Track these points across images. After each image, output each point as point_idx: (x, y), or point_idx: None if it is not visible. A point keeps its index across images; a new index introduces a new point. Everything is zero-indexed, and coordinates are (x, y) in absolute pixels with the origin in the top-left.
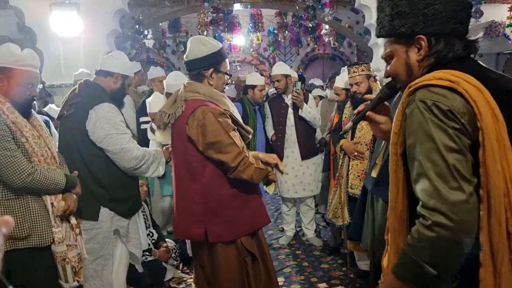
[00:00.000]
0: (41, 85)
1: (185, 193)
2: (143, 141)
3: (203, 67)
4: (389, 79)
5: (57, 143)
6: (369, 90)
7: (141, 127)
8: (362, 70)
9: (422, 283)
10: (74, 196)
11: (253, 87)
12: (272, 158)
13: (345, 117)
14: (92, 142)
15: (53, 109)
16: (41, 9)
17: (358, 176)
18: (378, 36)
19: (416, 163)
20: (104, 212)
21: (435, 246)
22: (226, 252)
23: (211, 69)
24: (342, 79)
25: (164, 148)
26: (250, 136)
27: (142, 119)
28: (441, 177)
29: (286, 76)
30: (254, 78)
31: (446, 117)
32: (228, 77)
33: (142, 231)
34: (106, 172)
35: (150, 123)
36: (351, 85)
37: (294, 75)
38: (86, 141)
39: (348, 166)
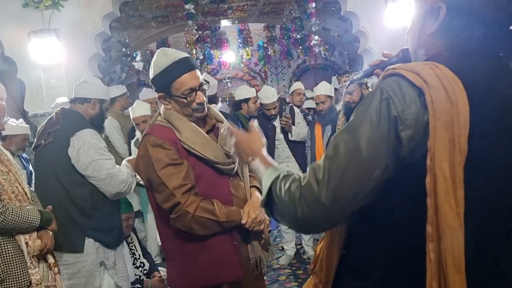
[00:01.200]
0: (8, 118)
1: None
2: None
3: (156, 90)
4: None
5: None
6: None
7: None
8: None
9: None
10: (50, 233)
11: (246, 100)
12: (250, 212)
13: (338, 128)
14: (74, 170)
15: None
16: (20, 38)
17: None
18: None
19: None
20: (89, 243)
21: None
22: None
23: (161, 94)
24: (324, 86)
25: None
26: (233, 166)
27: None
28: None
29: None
30: (245, 92)
31: (386, 120)
32: (185, 99)
33: (128, 262)
34: (90, 201)
35: (135, 138)
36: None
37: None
38: (67, 169)
39: None
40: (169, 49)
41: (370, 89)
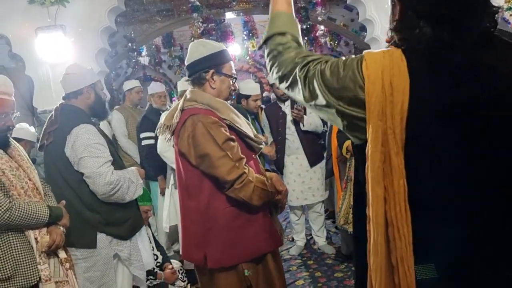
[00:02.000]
0: (18, 113)
1: (184, 212)
2: (146, 157)
3: (203, 69)
4: None
5: None
6: None
7: (143, 143)
8: None
9: None
10: (61, 228)
11: (247, 97)
12: (280, 185)
13: None
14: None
15: None
16: (27, 35)
17: None
18: None
19: None
20: (101, 238)
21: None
22: (227, 279)
23: (212, 71)
24: None
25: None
26: (262, 146)
27: (143, 134)
28: None
29: None
30: (248, 87)
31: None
32: (233, 80)
33: (147, 250)
34: (97, 197)
35: None
36: None
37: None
38: (69, 167)
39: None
40: (212, 41)
41: None
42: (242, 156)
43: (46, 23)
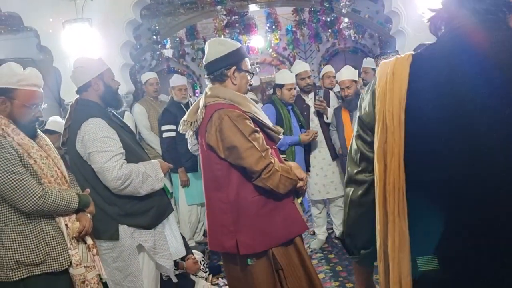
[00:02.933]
0: (45, 104)
1: (213, 203)
2: (167, 149)
3: (225, 66)
4: None
5: None
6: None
7: (164, 136)
8: None
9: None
10: (89, 215)
11: (281, 86)
12: (300, 172)
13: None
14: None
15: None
16: (54, 28)
17: None
18: None
19: None
20: (123, 229)
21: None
22: (260, 265)
23: (234, 67)
24: (348, 71)
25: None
26: (281, 136)
27: (164, 127)
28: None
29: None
30: (282, 76)
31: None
32: (251, 76)
33: (176, 238)
34: None
35: None
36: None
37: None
38: (83, 162)
39: None
40: (228, 39)
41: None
42: (267, 146)
43: (73, 16)
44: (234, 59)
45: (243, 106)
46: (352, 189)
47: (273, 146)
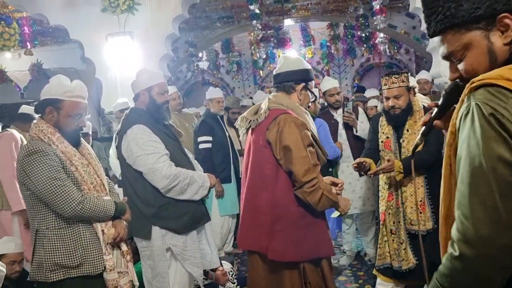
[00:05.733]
0: (89, 115)
1: (255, 202)
2: (202, 160)
3: (296, 80)
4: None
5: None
6: (409, 106)
7: (200, 147)
8: (403, 81)
9: None
10: (124, 222)
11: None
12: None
13: (387, 137)
14: (131, 165)
15: None
16: (98, 40)
17: (416, 209)
18: (438, 33)
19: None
20: (155, 230)
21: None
22: (290, 273)
23: (303, 84)
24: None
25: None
26: (325, 160)
27: (201, 138)
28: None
29: (408, 89)
30: (323, 83)
31: (503, 129)
32: (313, 98)
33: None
34: (151, 192)
35: None
36: (387, 98)
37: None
38: (127, 165)
39: (401, 197)
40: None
41: (417, 95)
42: (318, 162)
43: (116, 29)
44: (305, 76)
45: (302, 119)
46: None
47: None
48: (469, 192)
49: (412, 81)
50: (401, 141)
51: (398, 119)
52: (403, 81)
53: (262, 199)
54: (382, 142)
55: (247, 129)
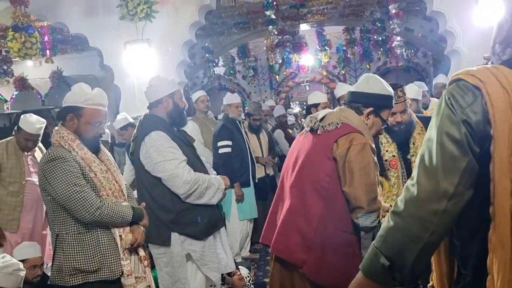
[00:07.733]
0: (109, 122)
1: (302, 207)
2: (222, 165)
3: (364, 103)
4: None
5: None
6: (411, 119)
7: (220, 151)
8: (405, 94)
9: (379, 278)
10: (142, 228)
11: (316, 105)
12: None
13: (393, 155)
14: (149, 172)
15: None
16: (117, 48)
17: None
18: None
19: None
20: (174, 236)
21: (390, 236)
22: None
23: (371, 109)
24: (411, 89)
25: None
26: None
27: (221, 143)
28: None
29: (417, 101)
30: (316, 97)
31: (459, 110)
32: (384, 125)
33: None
34: (169, 198)
35: None
36: (393, 113)
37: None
38: (145, 172)
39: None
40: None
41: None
42: (378, 193)
43: (134, 37)
44: (376, 102)
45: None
46: (444, 206)
47: None
48: (420, 160)
49: (417, 93)
50: (409, 156)
51: (404, 135)
52: (405, 94)
53: (314, 207)
54: (386, 161)
55: (310, 129)
